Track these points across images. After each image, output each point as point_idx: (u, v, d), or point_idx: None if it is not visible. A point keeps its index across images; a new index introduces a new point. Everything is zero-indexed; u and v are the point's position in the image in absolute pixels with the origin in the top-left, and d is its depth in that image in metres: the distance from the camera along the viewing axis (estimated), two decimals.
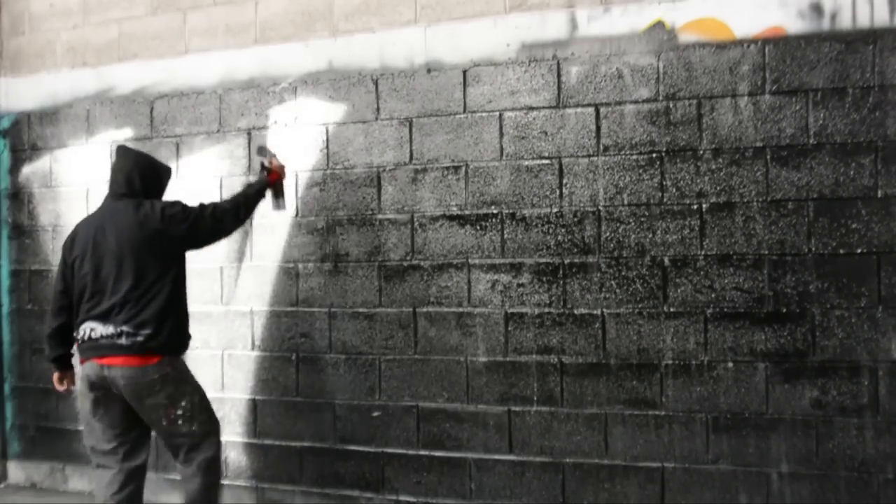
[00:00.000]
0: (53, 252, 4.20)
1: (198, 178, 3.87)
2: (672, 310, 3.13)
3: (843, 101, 2.95)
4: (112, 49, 4.09)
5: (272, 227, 3.71)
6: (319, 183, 3.64)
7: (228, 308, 3.81)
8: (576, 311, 3.25)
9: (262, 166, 3.36)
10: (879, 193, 2.92)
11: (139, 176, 2.98)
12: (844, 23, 2.94)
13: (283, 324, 3.71)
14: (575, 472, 3.25)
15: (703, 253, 3.09)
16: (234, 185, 3.78)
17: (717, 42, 3.08)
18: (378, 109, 3.54)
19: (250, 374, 3.77)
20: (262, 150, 3.42)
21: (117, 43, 4.08)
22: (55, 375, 3.17)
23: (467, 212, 3.40)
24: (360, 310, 3.57)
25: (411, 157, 3.48)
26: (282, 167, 3.37)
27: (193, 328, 3.83)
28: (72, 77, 4.17)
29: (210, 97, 3.86)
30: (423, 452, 3.46)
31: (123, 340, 2.79)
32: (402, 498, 3.50)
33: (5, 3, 4.36)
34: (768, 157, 3.02)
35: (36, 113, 4.26)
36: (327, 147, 3.63)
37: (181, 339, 2.99)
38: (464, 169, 3.41)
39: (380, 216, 3.53)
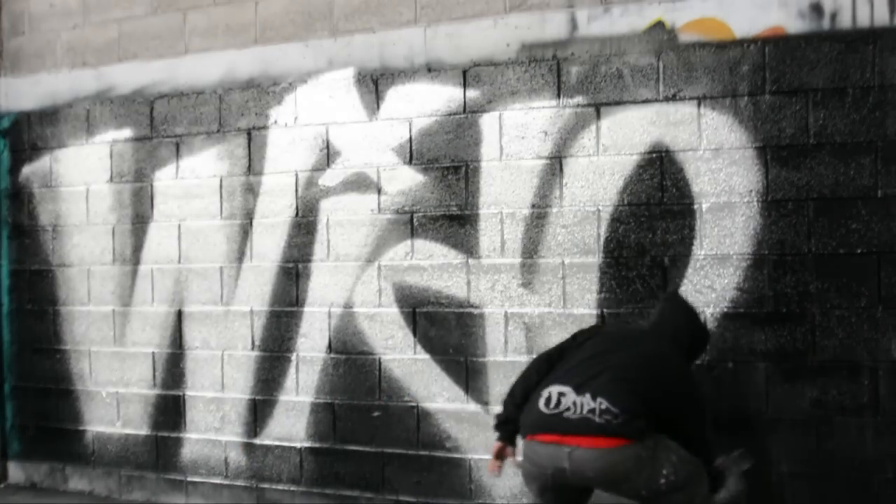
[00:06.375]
0: (53, 252, 4.20)
1: (198, 178, 3.87)
2: None
3: (843, 101, 2.94)
4: (112, 49, 4.09)
5: (272, 226, 3.72)
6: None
7: (228, 308, 3.81)
8: (576, 311, 3.24)
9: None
10: (879, 193, 2.91)
11: (689, 335, 2.79)
12: (844, 23, 2.94)
13: (282, 324, 3.71)
14: None
15: (703, 253, 3.09)
16: (234, 186, 3.79)
17: (717, 42, 3.07)
18: (377, 109, 3.55)
19: (250, 373, 3.77)
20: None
21: (117, 43, 4.08)
22: (496, 446, 2.70)
23: (467, 212, 3.40)
24: (360, 309, 3.56)
25: (411, 158, 3.49)
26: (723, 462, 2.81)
27: (193, 328, 3.89)
28: (72, 77, 4.17)
29: (210, 97, 3.86)
30: (423, 452, 3.46)
31: (597, 417, 2.40)
32: (402, 498, 3.50)
33: (5, 3, 4.36)
34: (768, 157, 3.02)
35: (36, 113, 4.26)
36: (327, 147, 3.64)
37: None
38: (464, 169, 3.41)
39: (380, 216, 3.53)
